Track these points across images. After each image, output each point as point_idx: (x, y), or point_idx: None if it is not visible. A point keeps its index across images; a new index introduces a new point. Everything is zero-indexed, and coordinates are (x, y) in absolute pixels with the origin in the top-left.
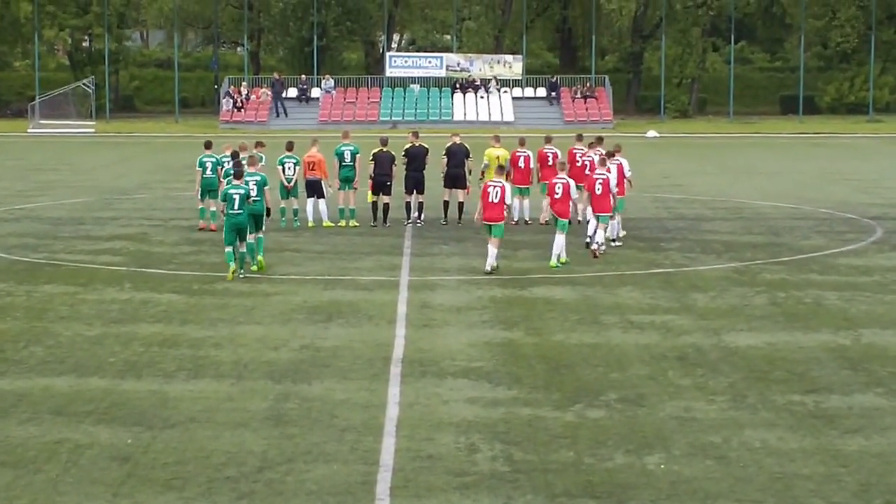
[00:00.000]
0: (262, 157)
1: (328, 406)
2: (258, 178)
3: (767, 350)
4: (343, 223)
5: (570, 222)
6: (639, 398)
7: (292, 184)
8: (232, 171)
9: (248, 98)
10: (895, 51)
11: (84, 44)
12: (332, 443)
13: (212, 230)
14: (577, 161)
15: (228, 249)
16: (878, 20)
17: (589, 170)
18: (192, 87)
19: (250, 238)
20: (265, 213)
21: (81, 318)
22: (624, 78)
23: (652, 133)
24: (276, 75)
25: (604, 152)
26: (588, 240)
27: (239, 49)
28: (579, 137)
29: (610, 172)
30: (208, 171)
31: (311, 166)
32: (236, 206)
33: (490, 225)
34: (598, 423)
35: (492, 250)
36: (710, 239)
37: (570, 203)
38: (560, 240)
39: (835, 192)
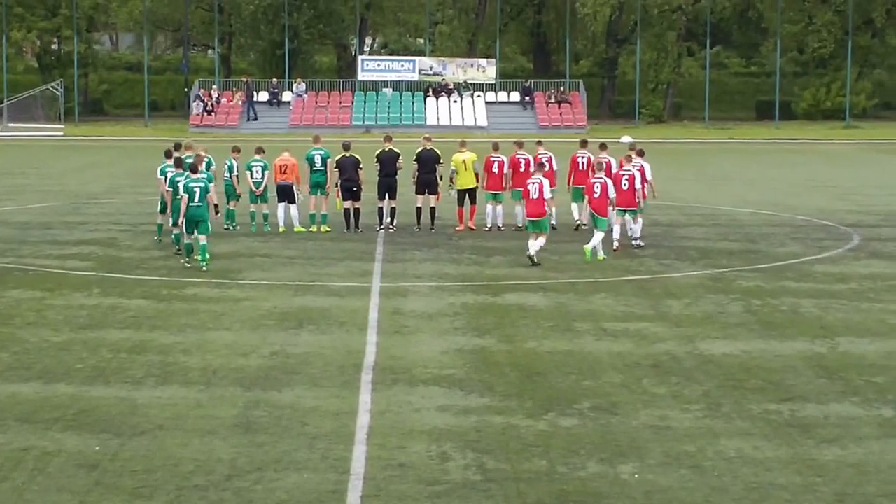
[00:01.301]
0: (210, 161)
1: (298, 414)
2: (202, 184)
3: (743, 358)
4: (314, 228)
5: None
6: (612, 406)
7: (261, 188)
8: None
9: (218, 101)
10: (872, 56)
11: (53, 46)
12: (303, 451)
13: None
14: (579, 166)
15: (187, 240)
16: (854, 25)
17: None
18: (162, 91)
19: (202, 240)
20: (213, 212)
21: (49, 324)
22: (598, 83)
23: (626, 138)
24: (244, 78)
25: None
26: (633, 241)
27: (209, 52)
28: (583, 143)
29: (626, 170)
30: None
31: (282, 170)
32: (196, 199)
33: (532, 221)
34: (571, 431)
35: (539, 241)
36: (685, 246)
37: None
38: (598, 236)
39: (811, 198)
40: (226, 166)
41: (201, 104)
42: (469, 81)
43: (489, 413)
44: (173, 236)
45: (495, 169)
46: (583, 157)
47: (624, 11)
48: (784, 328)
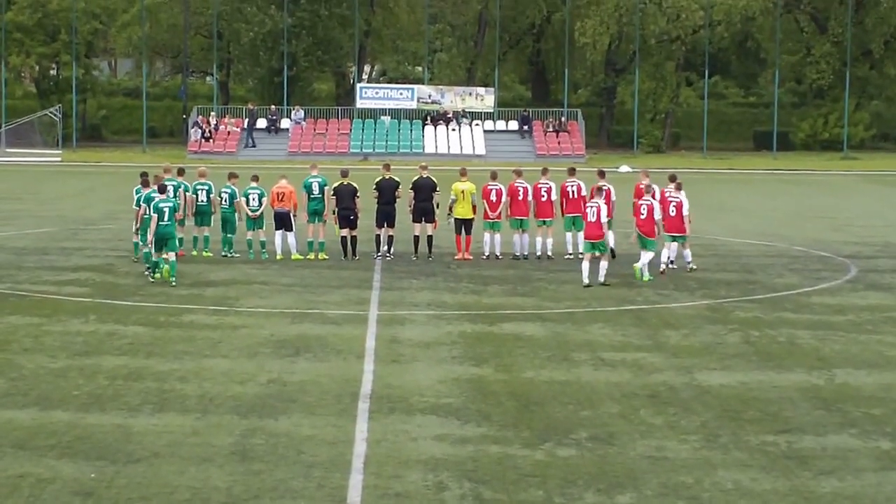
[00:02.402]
0: (179, 183)
1: (295, 442)
2: (171, 203)
3: (740, 389)
4: (312, 256)
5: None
6: (610, 437)
7: (258, 214)
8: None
9: (216, 128)
10: (870, 87)
11: (51, 71)
12: (299, 479)
13: (180, 255)
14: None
15: (156, 257)
16: (852, 56)
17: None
18: (160, 117)
19: (170, 258)
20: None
21: (45, 350)
22: (597, 112)
23: (625, 167)
24: (249, 105)
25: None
26: (668, 263)
27: (208, 78)
28: (601, 174)
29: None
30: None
31: (279, 197)
32: (166, 218)
33: (591, 243)
34: (569, 461)
35: (603, 264)
36: (683, 276)
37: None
38: (647, 256)
39: (809, 229)
40: (226, 194)
41: (199, 131)
42: (467, 110)
43: (486, 442)
44: (143, 253)
45: (493, 197)
46: (572, 186)
47: (622, 41)
48: (782, 359)
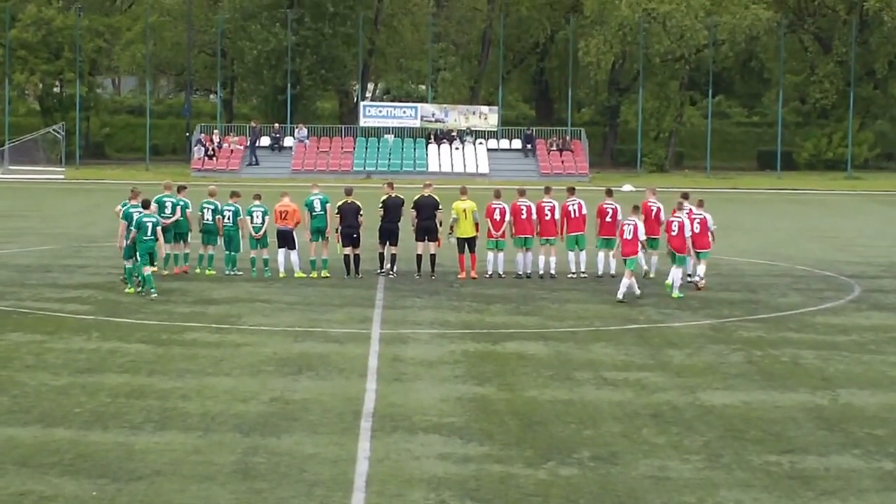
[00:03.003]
0: (178, 201)
1: (297, 460)
2: (154, 219)
3: (743, 409)
4: (315, 274)
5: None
6: (612, 456)
7: (260, 233)
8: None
9: (220, 146)
10: (874, 107)
11: (55, 89)
12: (301, 498)
13: (184, 272)
14: (572, 214)
15: (147, 271)
16: (856, 76)
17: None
18: (163, 135)
19: (147, 271)
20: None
21: (48, 368)
22: (600, 131)
23: (627, 187)
24: (252, 123)
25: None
26: (692, 279)
27: (212, 96)
28: (609, 192)
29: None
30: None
31: (282, 216)
32: (149, 233)
33: (625, 259)
34: (571, 481)
35: (625, 281)
36: (686, 295)
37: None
38: (677, 273)
39: (812, 249)
40: (229, 212)
41: (203, 148)
42: (471, 128)
43: (488, 462)
44: (126, 269)
45: (497, 216)
46: (573, 205)
47: (626, 60)
48: (785, 379)
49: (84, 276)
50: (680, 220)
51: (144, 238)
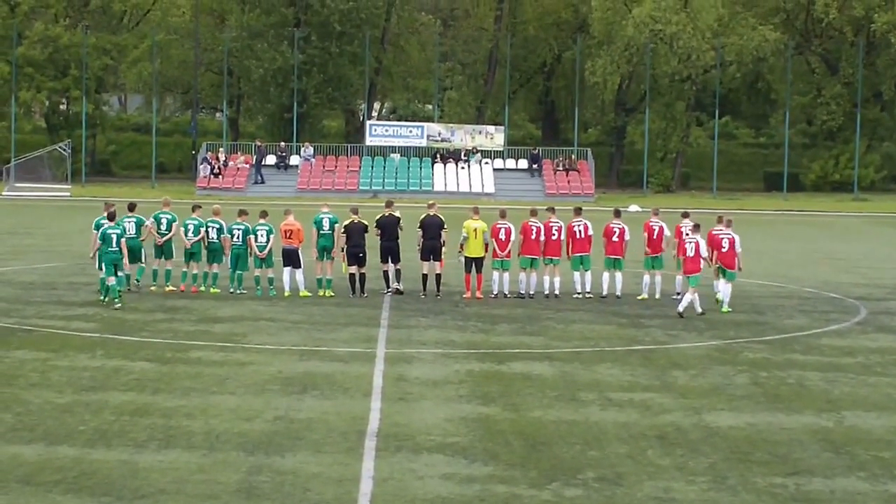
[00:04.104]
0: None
1: (301, 479)
2: (118, 230)
3: (749, 431)
4: (320, 293)
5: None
6: (617, 477)
7: (265, 252)
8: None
9: (225, 164)
10: (881, 129)
11: (61, 106)
12: None
13: (192, 292)
14: (577, 234)
15: (111, 281)
16: (863, 98)
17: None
18: (169, 153)
19: (110, 281)
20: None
21: (52, 385)
22: (606, 151)
23: (634, 207)
24: (258, 142)
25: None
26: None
27: (218, 115)
28: (617, 213)
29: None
30: (155, 229)
31: (287, 234)
32: (113, 244)
33: (689, 276)
34: (575, 502)
35: (688, 297)
36: (691, 316)
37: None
38: (727, 288)
39: (819, 271)
40: (238, 230)
41: (208, 167)
42: (477, 148)
43: (493, 482)
44: (99, 280)
45: (502, 236)
46: (579, 226)
47: (633, 80)
48: (790, 401)
49: (89, 293)
50: (730, 236)
51: (109, 249)
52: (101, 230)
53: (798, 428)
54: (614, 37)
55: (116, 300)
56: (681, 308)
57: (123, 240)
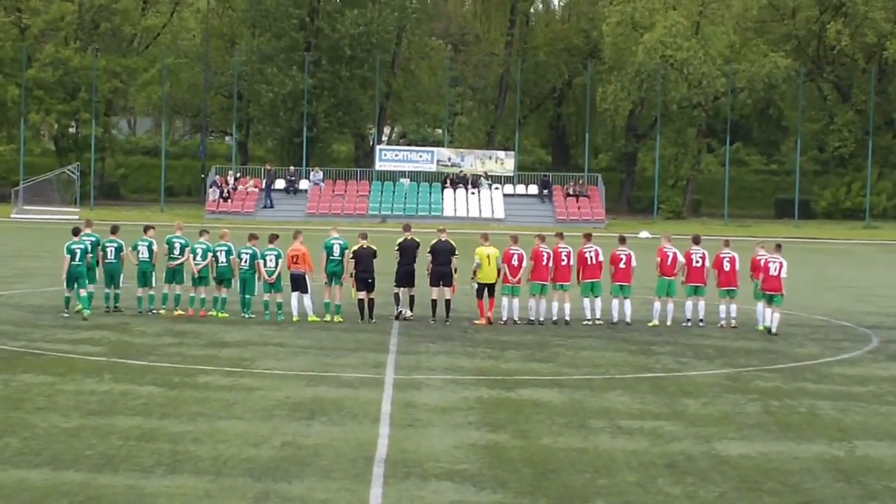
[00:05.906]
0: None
1: None
2: (82, 245)
3: (760, 460)
4: (328, 318)
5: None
6: None
7: (274, 277)
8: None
9: (235, 188)
10: (892, 156)
11: (70, 129)
12: None
13: (201, 316)
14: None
15: (68, 293)
16: (875, 125)
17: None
18: (178, 176)
19: (81, 292)
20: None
21: (59, 409)
22: (617, 177)
23: (644, 233)
24: (267, 166)
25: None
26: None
27: (227, 138)
28: (622, 239)
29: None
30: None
31: (294, 259)
32: (77, 258)
33: (772, 295)
34: None
35: (774, 315)
36: (702, 344)
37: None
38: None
39: (830, 299)
40: (247, 255)
41: (217, 190)
42: (487, 173)
43: None
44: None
45: (514, 261)
46: (590, 251)
47: (644, 106)
48: (802, 430)
49: (96, 317)
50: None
51: (73, 263)
52: (66, 245)
53: (809, 457)
54: (625, 62)
55: (86, 310)
56: (773, 328)
57: (89, 255)
